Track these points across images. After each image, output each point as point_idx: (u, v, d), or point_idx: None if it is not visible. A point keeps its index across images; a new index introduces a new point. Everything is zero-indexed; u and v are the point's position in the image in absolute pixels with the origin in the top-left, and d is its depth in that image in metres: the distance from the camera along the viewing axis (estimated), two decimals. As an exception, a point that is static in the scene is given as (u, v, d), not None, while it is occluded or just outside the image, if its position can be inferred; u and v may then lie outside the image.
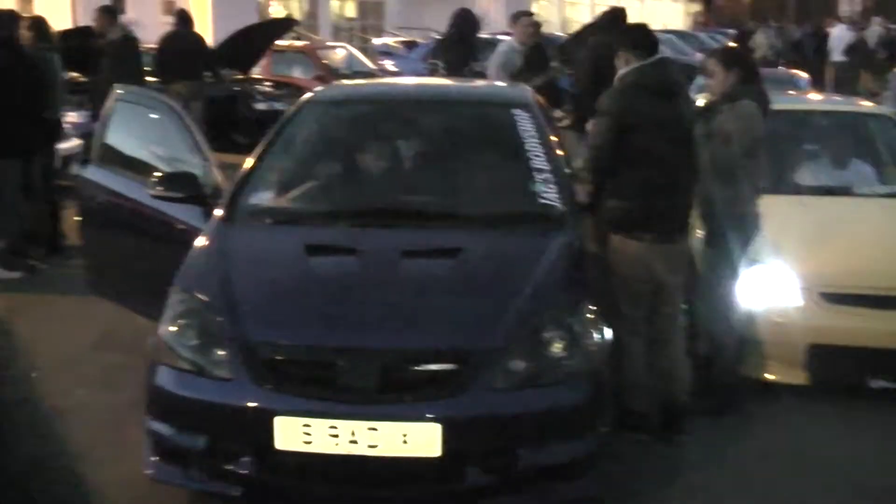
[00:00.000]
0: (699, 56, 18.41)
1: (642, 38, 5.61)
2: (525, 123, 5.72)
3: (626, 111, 5.39)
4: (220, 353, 4.41)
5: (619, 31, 5.96)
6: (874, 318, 6.03)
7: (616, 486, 4.71)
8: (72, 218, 10.08)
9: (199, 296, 4.64)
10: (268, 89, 16.22)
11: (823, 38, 23.72)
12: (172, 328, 4.55)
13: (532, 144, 5.58)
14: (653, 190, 5.34)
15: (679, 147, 5.44)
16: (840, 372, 6.08)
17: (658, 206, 5.36)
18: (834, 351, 6.01)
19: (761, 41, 23.30)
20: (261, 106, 15.68)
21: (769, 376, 6.13)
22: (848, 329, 6.02)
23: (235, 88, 15.59)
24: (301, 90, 16.85)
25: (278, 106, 15.99)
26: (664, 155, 5.35)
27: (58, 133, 9.93)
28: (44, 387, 5.47)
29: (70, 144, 10.98)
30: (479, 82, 8.21)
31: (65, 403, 5.75)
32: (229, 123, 13.84)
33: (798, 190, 7.36)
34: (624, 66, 5.51)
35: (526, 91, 6.60)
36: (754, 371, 6.14)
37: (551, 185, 5.37)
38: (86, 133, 12.56)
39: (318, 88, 6.64)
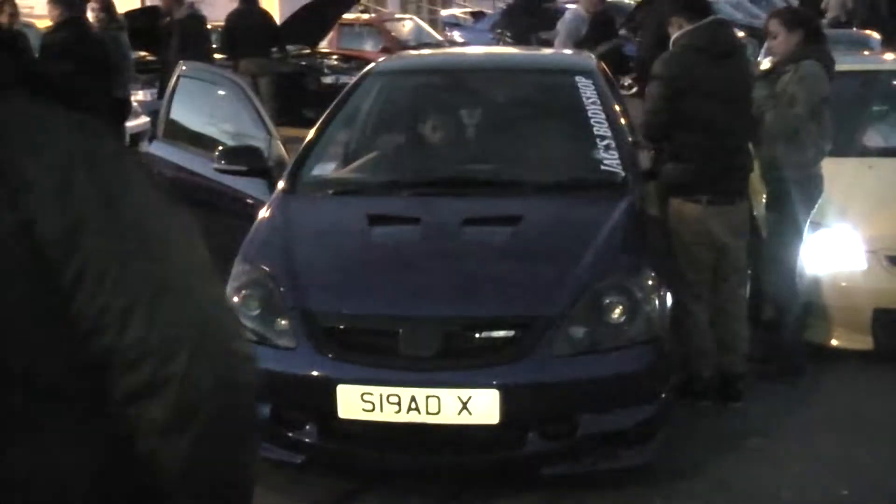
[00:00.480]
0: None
1: (693, 0, 5.56)
2: (588, 90, 5.71)
3: (678, 75, 5.37)
4: (283, 322, 4.47)
5: None
6: (942, 282, 5.94)
7: (676, 452, 4.71)
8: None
9: (262, 266, 4.70)
10: (335, 63, 16.31)
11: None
12: (235, 298, 4.61)
13: (594, 111, 5.58)
14: (708, 152, 5.33)
15: (735, 109, 5.40)
16: (906, 337, 6.00)
17: (714, 168, 5.34)
18: (901, 315, 5.94)
19: (834, 2, 22.83)
20: (328, 80, 15.78)
21: (834, 342, 6.08)
22: (915, 293, 5.94)
23: (303, 63, 15.71)
24: (369, 62, 16.99)
25: (346, 79, 16.14)
26: (718, 117, 5.32)
27: (127, 111, 10.09)
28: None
29: (138, 122, 11.16)
30: (544, 50, 8.20)
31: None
32: (297, 98, 13.92)
33: (865, 152, 7.25)
34: (677, 30, 5.48)
35: (589, 58, 6.59)
36: (818, 336, 6.09)
37: (613, 152, 5.36)
38: (153, 111, 12.79)
39: (381, 59, 6.68)
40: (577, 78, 5.86)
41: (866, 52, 10.84)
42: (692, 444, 4.93)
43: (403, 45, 17.13)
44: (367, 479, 4.63)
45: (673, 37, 5.52)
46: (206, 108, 6.74)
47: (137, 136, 11.24)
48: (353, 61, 16.70)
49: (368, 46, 17.86)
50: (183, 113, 6.76)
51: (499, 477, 4.58)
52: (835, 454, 4.96)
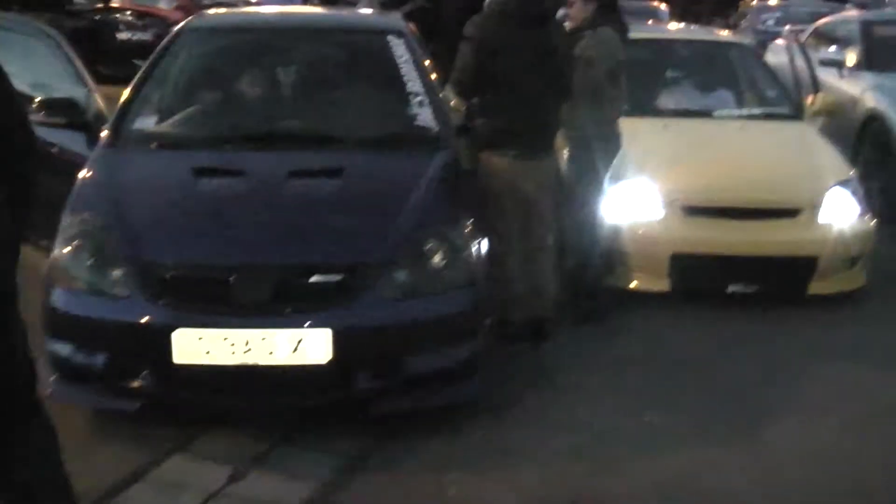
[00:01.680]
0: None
1: None
2: (399, 49, 5.94)
3: (489, 37, 5.67)
4: (116, 272, 4.54)
5: None
6: (730, 228, 6.50)
7: (496, 389, 5.02)
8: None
9: (92, 217, 4.75)
10: (129, 19, 16.03)
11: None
12: (66, 250, 4.66)
13: (407, 69, 5.81)
14: (515, 110, 5.65)
15: (541, 72, 5.71)
16: (700, 279, 6.52)
17: (520, 125, 5.67)
18: (695, 259, 6.46)
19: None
20: (123, 36, 15.48)
21: (634, 285, 6.55)
22: (707, 239, 6.48)
23: (97, 19, 15.37)
24: (163, 19, 16.74)
25: (141, 36, 15.87)
26: (524, 79, 5.64)
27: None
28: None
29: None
30: (352, 11, 8.35)
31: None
32: (92, 54, 13.62)
33: (660, 113, 7.75)
34: None
35: (399, 19, 6.78)
36: (619, 281, 6.56)
37: (426, 108, 5.62)
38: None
39: (194, 16, 6.70)
40: (389, 37, 6.08)
41: (650, 22, 11.40)
42: (510, 382, 5.26)
43: (197, 4, 16.94)
44: (203, 423, 4.75)
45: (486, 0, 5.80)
46: (18, 60, 6.60)
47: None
48: (148, 18, 16.46)
49: (163, 3, 17.57)
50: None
51: (330, 416, 4.77)
52: (641, 386, 5.39)
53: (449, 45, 6.70)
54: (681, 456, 4.66)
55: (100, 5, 15.30)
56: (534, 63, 5.64)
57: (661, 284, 6.51)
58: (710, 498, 4.34)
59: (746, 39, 10.33)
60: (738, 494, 4.36)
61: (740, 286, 6.50)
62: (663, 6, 15.56)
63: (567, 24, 6.48)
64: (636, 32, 6.88)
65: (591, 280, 6.31)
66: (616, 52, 6.26)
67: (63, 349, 4.62)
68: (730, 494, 4.36)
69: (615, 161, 6.33)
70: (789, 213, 6.60)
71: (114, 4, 16.26)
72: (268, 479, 4.38)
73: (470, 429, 4.81)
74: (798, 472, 4.54)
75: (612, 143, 6.29)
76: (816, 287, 6.60)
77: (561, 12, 6.66)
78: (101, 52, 13.99)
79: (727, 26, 16.36)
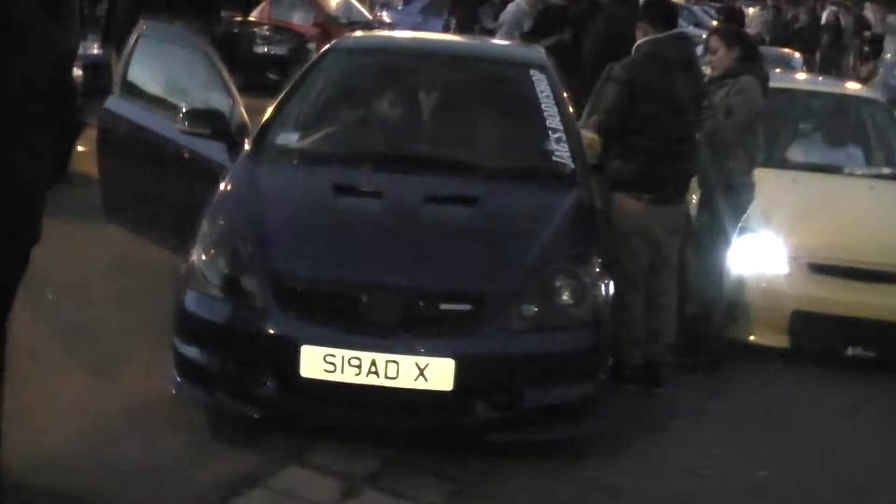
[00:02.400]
0: (691, 29, 18.63)
1: (663, 11, 5.90)
2: (541, 83, 6.00)
3: (638, 80, 5.70)
4: (250, 281, 4.68)
5: (643, 2, 6.25)
6: (854, 290, 6.42)
7: (607, 429, 5.01)
8: (76, 147, 10.29)
9: (231, 226, 4.90)
10: (266, 33, 16.37)
11: (816, 18, 24.01)
12: (204, 256, 4.81)
13: (547, 104, 5.87)
14: (655, 155, 5.69)
15: (684, 118, 5.75)
16: (820, 338, 6.45)
17: (659, 169, 5.71)
18: (816, 318, 6.39)
19: (757, 21, 23.56)
20: (260, 49, 15.82)
21: (753, 339, 6.51)
22: (829, 298, 6.40)
23: (235, 31, 15.73)
24: (299, 35, 17.07)
25: (276, 50, 16.22)
26: (669, 124, 5.69)
27: (72, 61, 10.02)
28: (60, 306, 5.80)
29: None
30: (495, 41, 8.45)
31: (81, 322, 6.04)
32: (230, 64, 13.94)
33: (788, 165, 7.70)
34: (642, 36, 5.80)
35: (542, 52, 6.85)
36: (739, 334, 6.51)
37: (563, 144, 5.66)
38: (87, 64, 12.69)
39: (342, 37, 6.85)
40: (532, 71, 6.15)
41: (777, 70, 11.29)
42: (621, 424, 5.24)
43: (334, 20, 17.22)
44: (316, 436, 4.84)
45: (637, 42, 5.84)
46: (167, 69, 6.82)
47: (70, 89, 11.16)
48: (284, 32, 16.78)
49: (299, 19, 17.89)
50: (142, 72, 6.84)
51: (445, 441, 4.83)
52: (752, 441, 5.34)
53: (586, 82, 6.76)
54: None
55: (239, 18, 15.65)
56: (679, 110, 5.68)
57: (781, 341, 6.45)
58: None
59: (878, 94, 10.18)
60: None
61: (860, 349, 6.41)
62: (797, 55, 15.40)
63: (709, 71, 6.50)
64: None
65: (713, 330, 6.29)
66: (757, 101, 6.25)
67: (191, 351, 4.77)
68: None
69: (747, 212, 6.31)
70: (914, 278, 6.50)
71: (252, 18, 16.63)
72: (380, 499, 4.45)
73: (579, 466, 4.83)
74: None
75: (744, 194, 6.26)
76: (938, 356, 6.48)
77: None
78: (238, 62, 14.36)
79: (858, 79, 16.15)
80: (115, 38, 9.55)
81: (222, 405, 4.79)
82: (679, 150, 5.75)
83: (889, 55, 18.48)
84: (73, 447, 4.62)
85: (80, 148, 10.20)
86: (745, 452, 5.19)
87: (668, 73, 5.71)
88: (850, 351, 6.42)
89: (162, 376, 4.92)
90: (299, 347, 4.48)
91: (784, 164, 7.66)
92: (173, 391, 4.83)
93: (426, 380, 4.46)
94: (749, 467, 5.03)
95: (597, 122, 5.90)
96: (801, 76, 11.28)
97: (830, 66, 21.09)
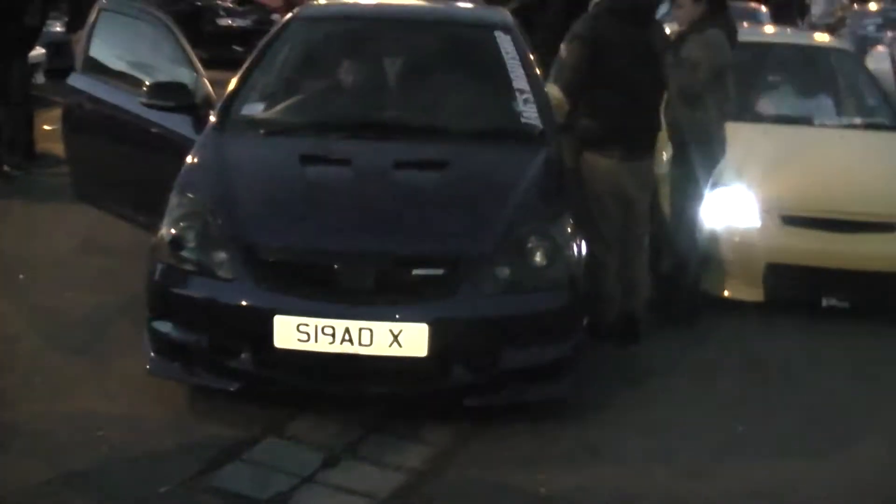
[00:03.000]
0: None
1: None
2: (506, 45, 5.95)
3: (599, 36, 5.68)
4: (221, 254, 4.64)
5: None
6: (827, 240, 6.42)
7: (585, 388, 5.01)
8: (41, 126, 10.23)
9: (200, 199, 4.86)
10: (230, 5, 16.26)
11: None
12: (174, 230, 4.76)
13: (513, 65, 5.82)
14: (620, 110, 5.68)
15: (646, 71, 5.74)
16: (795, 290, 6.47)
17: (625, 125, 5.70)
18: (789, 269, 6.40)
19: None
20: (224, 22, 15.70)
21: (728, 292, 6.52)
22: (802, 249, 6.41)
23: (198, 4, 15.61)
24: (264, 8, 16.97)
25: (241, 22, 16.11)
26: (632, 78, 5.68)
27: (35, 40, 9.95)
28: (32, 289, 5.76)
29: (34, 53, 10.98)
30: (459, 4, 8.37)
31: (55, 304, 6.01)
32: (192, 39, 13.83)
33: (759, 118, 7.69)
34: None
35: (506, 14, 6.80)
36: (713, 288, 6.51)
37: (531, 105, 5.62)
38: (49, 42, 12.59)
39: (304, 6, 6.78)
40: (497, 32, 6.10)
41: (745, 24, 11.27)
42: (599, 382, 5.25)
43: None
44: (296, 407, 4.83)
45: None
46: (129, 44, 6.75)
47: (33, 67, 11.09)
48: (248, 5, 16.68)
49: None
50: (104, 47, 6.77)
51: (423, 407, 4.84)
52: (730, 394, 5.37)
53: (552, 42, 6.72)
54: (763, 467, 4.64)
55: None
56: (642, 62, 5.66)
57: (755, 293, 6.46)
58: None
59: (848, 45, 10.18)
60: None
61: (834, 300, 6.42)
62: (763, 8, 15.38)
63: (670, 26, 6.47)
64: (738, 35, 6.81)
65: (687, 285, 6.29)
66: (723, 56, 6.22)
67: (164, 326, 4.74)
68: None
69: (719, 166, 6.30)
70: (887, 226, 6.51)
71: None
72: (360, 467, 4.44)
73: (559, 427, 4.84)
74: (884, 491, 4.51)
75: (714, 148, 6.25)
76: (913, 304, 6.52)
77: (663, 10, 6.64)
78: (202, 36, 14.26)
79: (828, 30, 16.19)
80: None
81: (198, 379, 4.77)
82: (646, 104, 5.74)
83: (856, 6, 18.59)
84: (51, 430, 4.59)
85: (45, 127, 10.24)
86: (723, 405, 5.21)
87: (628, 26, 5.69)
88: (824, 301, 6.43)
89: (138, 355, 4.89)
90: (272, 318, 4.46)
91: (755, 118, 7.64)
92: (148, 367, 4.80)
93: (400, 346, 4.44)
94: (727, 420, 5.04)
95: (562, 81, 5.87)
96: (769, 29, 11.25)
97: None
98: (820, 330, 6.30)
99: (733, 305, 6.48)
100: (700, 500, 4.32)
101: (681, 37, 6.29)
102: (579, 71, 5.71)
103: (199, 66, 6.09)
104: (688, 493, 4.36)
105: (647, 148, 5.86)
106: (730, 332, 6.21)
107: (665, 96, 6.07)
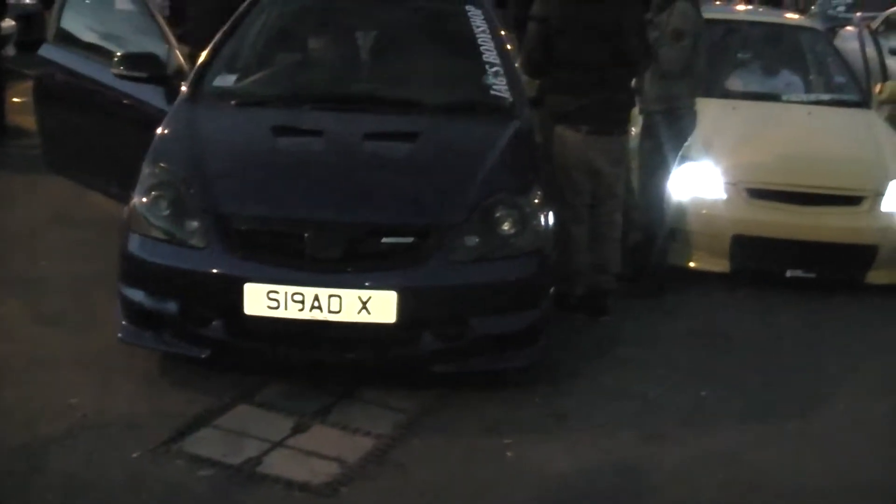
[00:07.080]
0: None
1: None
2: (477, 19, 6.01)
3: (554, 15, 5.77)
4: (192, 223, 4.67)
5: None
6: (792, 213, 6.54)
7: (554, 358, 5.10)
8: (11, 99, 10.20)
9: (172, 169, 4.88)
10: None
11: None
12: (145, 199, 4.79)
13: (483, 39, 5.89)
14: (583, 87, 5.76)
15: (609, 48, 5.78)
16: (760, 261, 6.58)
17: (591, 101, 5.75)
18: (755, 242, 6.51)
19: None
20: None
21: (695, 264, 6.62)
22: (768, 222, 6.52)
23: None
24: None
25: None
26: (593, 56, 5.74)
27: (3, 12, 9.91)
28: (7, 259, 5.77)
29: (5, 25, 10.93)
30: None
31: (29, 275, 6.03)
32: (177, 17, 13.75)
33: (729, 95, 7.78)
34: None
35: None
36: (680, 259, 6.62)
37: (501, 78, 5.69)
38: (21, 14, 12.53)
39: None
40: (468, 7, 6.15)
41: (717, 2, 11.33)
42: (568, 352, 5.35)
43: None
44: (267, 375, 4.89)
45: None
46: (101, 15, 6.75)
47: (3, 40, 11.04)
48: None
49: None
50: (76, 18, 6.77)
51: (393, 374, 4.91)
52: (696, 362, 5.47)
53: (524, 20, 6.77)
54: (729, 431, 4.74)
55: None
56: (596, 38, 5.72)
57: (722, 265, 6.57)
58: (751, 473, 4.39)
59: (817, 24, 10.28)
60: (781, 471, 4.42)
61: (799, 271, 6.53)
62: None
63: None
64: (706, 13, 6.90)
65: (655, 257, 6.38)
66: (698, 23, 6.31)
67: (136, 294, 4.77)
68: (772, 471, 4.42)
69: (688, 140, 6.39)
70: (851, 200, 6.63)
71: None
72: (329, 433, 4.50)
73: (527, 394, 4.92)
74: (845, 455, 4.61)
75: (686, 122, 6.34)
76: (875, 276, 6.65)
77: None
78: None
79: (798, 10, 16.27)
80: None
81: (169, 347, 4.80)
82: (610, 80, 5.79)
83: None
84: (26, 398, 4.63)
85: (15, 100, 10.20)
86: (689, 374, 5.31)
87: (583, 4, 5.76)
88: (789, 273, 6.55)
89: (112, 323, 4.92)
90: (243, 285, 4.50)
91: (724, 94, 7.75)
92: (119, 335, 4.83)
93: (369, 313, 4.49)
94: (693, 387, 5.15)
95: (522, 62, 5.95)
96: (741, 7, 11.33)
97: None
98: (784, 301, 6.42)
99: (700, 276, 6.59)
100: (665, 464, 4.41)
101: (653, 11, 6.36)
102: (535, 51, 5.82)
103: (171, 37, 6.10)
104: (652, 456, 4.45)
105: (618, 123, 5.91)
106: (697, 303, 6.32)
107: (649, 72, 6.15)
